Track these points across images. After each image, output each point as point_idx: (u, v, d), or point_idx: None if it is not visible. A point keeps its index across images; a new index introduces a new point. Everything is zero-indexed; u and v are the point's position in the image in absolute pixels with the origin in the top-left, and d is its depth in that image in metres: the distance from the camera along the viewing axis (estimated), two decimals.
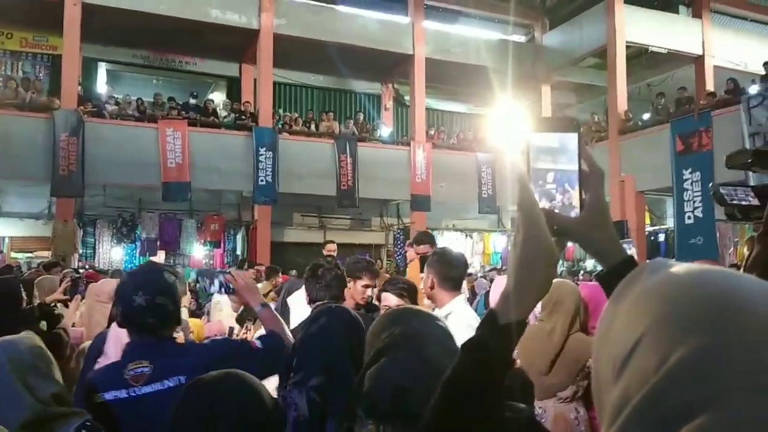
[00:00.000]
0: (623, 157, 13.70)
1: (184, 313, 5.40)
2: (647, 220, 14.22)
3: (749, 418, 0.42)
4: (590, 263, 15.16)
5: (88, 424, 1.38)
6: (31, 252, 12.14)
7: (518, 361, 3.09)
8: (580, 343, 3.06)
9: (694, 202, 11.55)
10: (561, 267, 14.72)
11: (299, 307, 4.04)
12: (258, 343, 2.07)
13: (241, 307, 4.04)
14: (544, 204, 0.83)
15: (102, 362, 3.12)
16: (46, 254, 11.24)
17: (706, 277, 0.52)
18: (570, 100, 18.57)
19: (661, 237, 13.37)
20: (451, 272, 2.97)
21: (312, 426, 2.08)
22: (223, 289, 2.49)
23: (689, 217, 11.65)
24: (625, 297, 0.56)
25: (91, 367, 2.54)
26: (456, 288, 2.93)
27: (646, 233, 13.72)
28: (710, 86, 14.35)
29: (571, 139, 0.85)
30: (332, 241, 7.39)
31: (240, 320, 4.22)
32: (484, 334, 0.83)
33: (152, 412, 1.75)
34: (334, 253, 6.60)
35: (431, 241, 4.61)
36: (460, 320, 2.75)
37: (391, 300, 2.87)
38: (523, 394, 2.33)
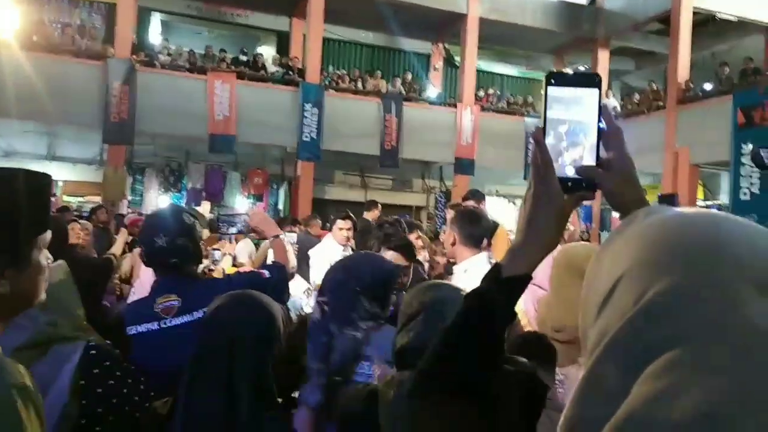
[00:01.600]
0: (680, 128, 13.13)
1: (218, 254, 5.63)
2: (700, 195, 13.69)
3: (714, 355, 0.43)
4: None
5: (92, 344, 1.40)
6: (82, 196, 12.58)
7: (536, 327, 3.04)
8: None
9: (751, 177, 11.03)
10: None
11: (320, 262, 4.19)
12: (266, 273, 2.17)
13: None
14: (557, 160, 0.80)
15: (132, 298, 3.26)
16: (97, 199, 11.62)
17: (692, 219, 0.52)
18: (628, 66, 17.82)
19: None
20: (473, 230, 2.96)
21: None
22: (239, 230, 2.60)
23: (745, 194, 11.16)
24: (616, 239, 0.56)
25: None
26: (476, 245, 2.92)
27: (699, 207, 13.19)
28: None
29: (592, 95, 0.81)
30: (375, 204, 7.22)
31: None
32: (487, 285, 0.84)
33: (183, 342, 1.78)
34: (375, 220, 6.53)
35: (479, 197, 4.56)
36: (475, 276, 2.75)
37: (389, 256, 2.88)
38: (545, 360, 2.28)
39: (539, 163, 0.79)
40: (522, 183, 15.28)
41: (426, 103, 14.63)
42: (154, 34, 15.60)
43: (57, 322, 1.39)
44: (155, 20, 15.92)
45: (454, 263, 3.19)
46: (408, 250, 2.55)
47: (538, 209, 0.80)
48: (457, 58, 16.25)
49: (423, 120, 13.83)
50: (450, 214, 5.57)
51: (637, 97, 15.42)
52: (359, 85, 14.30)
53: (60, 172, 13.14)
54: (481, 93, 15.35)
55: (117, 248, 4.42)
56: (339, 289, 2.08)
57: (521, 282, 0.83)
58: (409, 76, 15.28)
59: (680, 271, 0.47)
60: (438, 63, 16.82)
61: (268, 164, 14.14)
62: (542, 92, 0.78)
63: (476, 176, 14.15)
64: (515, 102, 15.68)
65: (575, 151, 0.80)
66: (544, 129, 0.80)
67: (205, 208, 12.70)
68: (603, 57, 16.18)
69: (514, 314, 0.86)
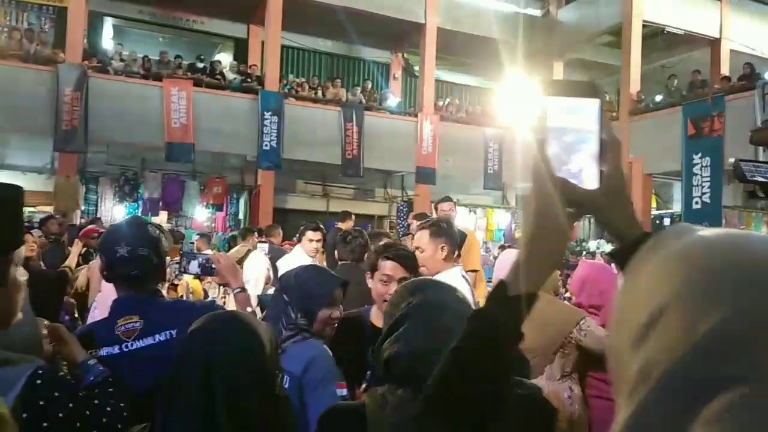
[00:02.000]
0: (632, 139, 13.52)
1: (188, 277, 5.46)
2: (653, 204, 14.13)
3: None
4: (593, 244, 15.13)
5: (41, 371, 1.31)
6: (33, 206, 12.06)
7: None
8: (557, 309, 2.98)
9: (702, 187, 11.44)
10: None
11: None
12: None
13: None
14: (558, 174, 0.78)
15: (91, 317, 3.11)
16: (48, 209, 11.15)
17: (740, 243, 0.50)
18: (582, 77, 18.29)
19: (667, 221, 13.28)
20: (455, 243, 3.00)
21: None
22: (201, 270, 2.46)
23: (696, 203, 11.55)
24: (648, 263, 0.53)
25: None
26: (454, 259, 3.01)
27: (652, 217, 13.64)
28: (725, 70, 14.11)
29: (592, 105, 0.78)
30: (349, 214, 7.29)
31: None
32: (492, 304, 0.82)
33: (145, 365, 1.77)
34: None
35: (452, 202, 4.67)
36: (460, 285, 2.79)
37: (387, 267, 2.80)
38: (518, 373, 2.28)
39: (542, 176, 0.77)
40: (482, 192, 15.48)
41: (386, 113, 14.66)
42: (107, 40, 15.18)
43: (7, 341, 1.31)
44: (107, 25, 15.48)
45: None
46: (409, 261, 2.49)
47: (540, 225, 0.78)
48: (416, 68, 16.38)
49: (384, 129, 13.85)
50: (414, 224, 5.53)
51: None
52: (319, 93, 14.23)
53: (9, 181, 12.55)
54: (441, 103, 15.48)
55: (71, 260, 4.26)
56: (274, 298, 2.23)
57: (528, 301, 0.80)
58: (369, 85, 15.30)
59: (735, 303, 0.45)
60: (397, 72, 16.91)
61: (228, 173, 13.89)
62: (541, 100, 0.75)
63: (437, 185, 14.25)
64: (474, 112, 15.88)
65: (577, 162, 0.78)
66: (544, 141, 0.78)
67: (162, 218, 12.43)
68: (558, 68, 16.60)
69: (521, 335, 0.83)
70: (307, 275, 2.17)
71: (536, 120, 0.80)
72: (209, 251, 8.61)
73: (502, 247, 10.56)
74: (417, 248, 3.02)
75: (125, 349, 1.81)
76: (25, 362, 1.33)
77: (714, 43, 14.81)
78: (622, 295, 0.55)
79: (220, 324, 1.41)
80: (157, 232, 2.00)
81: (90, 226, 8.12)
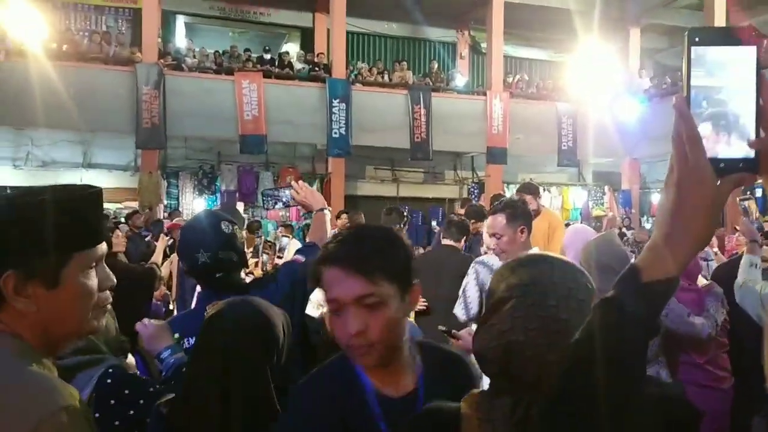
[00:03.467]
0: None
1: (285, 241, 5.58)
2: None
3: None
4: None
5: (111, 370, 1.32)
6: (119, 203, 12.70)
7: None
8: None
9: None
10: (646, 224, 14.05)
11: None
12: (300, 258, 2.18)
13: None
14: (705, 137, 0.67)
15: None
16: (134, 204, 11.72)
17: None
18: (662, 44, 17.32)
19: (759, 192, 12.42)
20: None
21: None
22: (287, 203, 2.60)
23: None
24: None
25: None
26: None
27: (741, 189, 12.79)
28: None
29: (747, 54, 0.67)
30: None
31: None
32: (623, 291, 0.70)
33: None
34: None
35: (534, 191, 4.44)
36: None
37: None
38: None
39: (684, 139, 0.67)
40: (556, 170, 15.00)
41: (454, 93, 14.42)
42: (180, 37, 15.67)
43: (89, 345, 1.31)
44: (180, 23, 15.98)
45: None
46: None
47: (685, 196, 0.67)
48: (484, 45, 15.99)
49: (452, 110, 13.63)
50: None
51: (670, 76, 14.99)
52: (386, 77, 14.16)
53: (97, 180, 13.25)
54: (510, 79, 15.06)
55: (158, 256, 4.38)
56: None
57: (667, 287, 0.69)
58: (436, 66, 15.08)
59: None
60: (464, 51, 16.56)
61: (299, 162, 14.12)
62: (683, 53, 0.65)
63: (509, 164, 13.93)
64: (545, 87, 15.36)
65: (728, 126, 0.67)
66: (687, 98, 0.68)
67: (239, 210, 12.76)
68: (634, 36, 15.75)
69: (658, 328, 0.72)
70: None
71: (682, 71, 0.70)
72: (294, 240, 8.84)
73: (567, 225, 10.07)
74: (494, 235, 2.90)
75: None
76: (95, 364, 1.34)
77: None
78: None
79: (234, 310, 1.43)
80: (231, 227, 2.01)
81: (174, 221, 8.49)
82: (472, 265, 3.41)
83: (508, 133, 13.77)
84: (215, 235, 1.96)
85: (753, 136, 0.67)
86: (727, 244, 8.47)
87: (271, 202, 2.71)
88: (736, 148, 0.67)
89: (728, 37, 0.68)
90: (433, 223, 13.04)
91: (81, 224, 1.06)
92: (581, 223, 12.88)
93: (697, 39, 0.68)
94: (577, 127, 14.35)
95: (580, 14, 14.47)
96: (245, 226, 8.57)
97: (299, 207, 2.54)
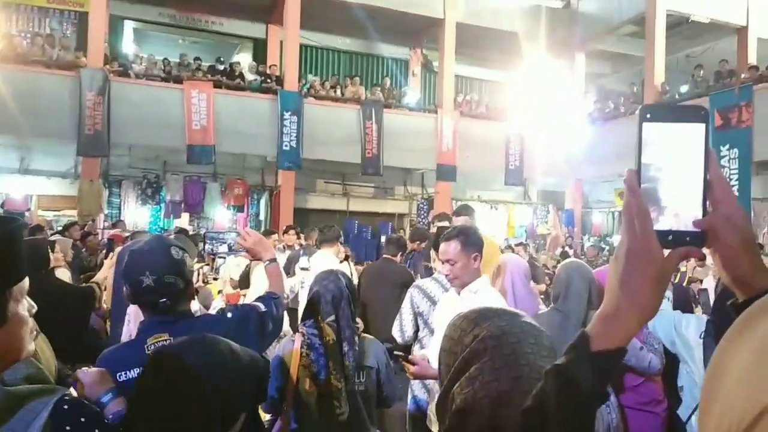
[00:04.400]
0: None
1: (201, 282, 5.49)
2: None
3: None
4: (617, 239, 14.88)
5: (67, 398, 1.31)
6: (58, 210, 12.24)
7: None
8: None
9: (730, 179, 11.17)
10: (587, 242, 14.48)
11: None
12: (261, 306, 2.09)
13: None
14: (654, 210, 0.69)
15: (126, 331, 3.10)
16: (72, 213, 11.34)
17: None
18: (605, 69, 17.99)
19: None
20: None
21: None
22: (230, 249, 2.53)
23: None
24: (751, 335, 0.44)
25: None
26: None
27: None
28: (753, 59, 13.72)
29: (696, 132, 0.70)
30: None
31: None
32: (573, 360, 0.71)
33: None
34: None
35: (470, 212, 4.48)
36: (490, 298, 2.80)
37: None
38: None
39: (634, 213, 0.68)
40: (503, 188, 15.32)
41: (406, 110, 14.57)
42: (127, 43, 15.31)
43: (35, 375, 1.29)
44: (128, 28, 15.63)
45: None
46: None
47: (633, 269, 0.68)
48: (435, 64, 16.26)
49: (403, 126, 13.77)
50: (434, 224, 5.63)
51: (612, 100, 15.58)
52: (338, 92, 14.20)
53: (34, 186, 12.79)
54: (460, 98, 15.35)
55: (102, 275, 4.19)
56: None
57: (615, 357, 0.71)
58: (388, 82, 15.22)
59: None
60: (416, 68, 16.80)
61: (248, 174, 13.94)
62: (637, 128, 0.70)
63: (458, 182, 14.14)
64: (494, 107, 15.71)
65: (677, 200, 0.69)
66: (638, 173, 0.70)
67: (184, 220, 12.50)
68: (580, 60, 16.33)
69: (606, 395, 0.73)
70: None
71: (634, 147, 0.72)
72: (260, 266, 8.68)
73: (519, 245, 10.28)
74: (447, 261, 2.87)
75: None
76: (48, 393, 1.31)
77: (740, 32, 14.41)
78: (712, 373, 0.46)
79: (187, 348, 1.41)
80: (181, 253, 1.93)
81: (114, 232, 8.21)
82: (409, 289, 3.61)
83: (457, 151, 14.00)
84: (163, 259, 1.89)
85: (700, 211, 0.69)
86: None
87: (214, 245, 2.67)
88: (683, 221, 0.69)
89: (678, 114, 0.71)
90: (382, 238, 13.08)
91: (13, 258, 1.12)
92: (526, 240, 13.17)
93: (648, 115, 0.70)
94: (524, 147, 14.72)
95: (528, 38, 14.96)
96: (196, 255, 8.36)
97: (240, 248, 2.50)
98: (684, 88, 13.54)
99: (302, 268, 5.17)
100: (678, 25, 14.51)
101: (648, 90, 13.86)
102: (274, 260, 2.35)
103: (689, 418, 1.66)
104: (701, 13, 14.06)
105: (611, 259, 0.73)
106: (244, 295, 5.25)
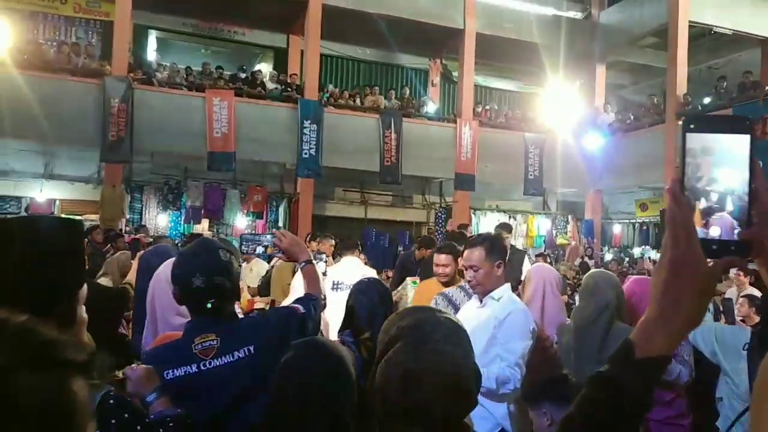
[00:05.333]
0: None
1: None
2: None
3: None
4: (638, 250, 14.73)
5: (112, 393, 1.35)
6: (80, 215, 12.41)
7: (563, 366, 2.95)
8: (625, 335, 2.86)
9: None
10: (607, 253, 14.35)
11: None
12: (301, 308, 2.09)
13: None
14: (699, 218, 0.70)
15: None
16: (94, 217, 11.48)
17: None
18: (625, 80, 17.89)
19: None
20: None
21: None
22: (266, 251, 2.52)
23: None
24: None
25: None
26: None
27: None
28: None
29: (741, 142, 0.69)
30: (329, 236, 7.35)
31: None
32: (617, 368, 0.71)
33: (224, 383, 1.80)
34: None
35: (508, 230, 4.60)
36: (513, 306, 2.86)
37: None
38: (567, 401, 2.19)
39: (678, 222, 0.68)
40: (522, 198, 15.25)
41: (425, 119, 14.60)
42: (151, 52, 15.56)
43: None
44: (151, 38, 15.89)
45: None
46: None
47: (677, 278, 0.68)
48: (455, 74, 16.28)
49: (422, 136, 13.79)
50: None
51: (632, 111, 15.48)
52: (358, 101, 14.27)
53: (57, 191, 13.02)
54: (480, 108, 15.34)
55: (132, 275, 4.22)
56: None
57: (660, 364, 0.70)
58: (408, 92, 15.27)
59: None
60: (436, 78, 16.84)
61: (268, 181, 14.04)
62: (678, 139, 0.72)
63: (476, 191, 14.11)
64: (513, 117, 15.68)
65: (721, 210, 0.69)
66: (681, 183, 0.69)
67: (204, 226, 12.61)
68: (600, 72, 16.25)
69: (651, 404, 0.72)
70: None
71: (676, 157, 0.72)
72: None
73: (540, 255, 10.27)
74: (471, 267, 2.88)
75: (203, 368, 1.81)
76: (95, 388, 1.37)
77: (764, 43, 14.28)
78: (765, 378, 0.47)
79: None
80: (229, 255, 1.97)
81: (137, 236, 8.31)
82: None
83: (476, 161, 13.97)
84: (212, 260, 1.92)
85: (744, 222, 0.69)
86: None
87: (250, 246, 2.66)
88: (728, 231, 0.69)
89: (722, 124, 0.71)
90: (399, 248, 13.08)
91: (82, 261, 1.19)
92: (545, 250, 13.09)
93: (692, 126, 0.70)
94: (543, 157, 14.65)
95: (548, 49, 14.92)
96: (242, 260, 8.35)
97: (276, 250, 2.49)
98: (707, 100, 13.41)
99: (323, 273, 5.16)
100: (701, 36, 14.39)
101: (670, 101, 13.74)
102: (310, 261, 2.34)
103: (729, 429, 1.64)
104: (724, 25, 13.92)
105: (654, 268, 0.73)
106: (268, 304, 5.22)
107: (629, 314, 3.00)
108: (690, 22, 13.61)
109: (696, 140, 0.70)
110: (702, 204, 0.69)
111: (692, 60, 14.00)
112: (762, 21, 14.02)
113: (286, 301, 3.30)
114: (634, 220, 15.88)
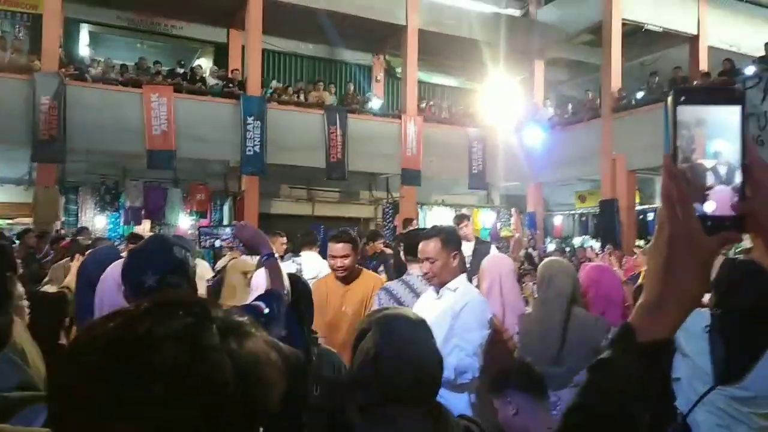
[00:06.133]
0: (615, 135, 13.63)
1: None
2: (636, 199, 14.23)
3: None
4: (578, 240, 15.20)
5: None
6: (11, 218, 11.80)
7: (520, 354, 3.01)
8: (584, 321, 2.95)
9: None
10: (549, 244, 14.74)
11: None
12: (264, 307, 1.99)
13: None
14: (694, 195, 0.66)
15: None
16: (27, 221, 10.94)
17: None
18: (563, 76, 18.40)
19: (650, 216, 13.37)
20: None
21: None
22: (228, 242, 2.42)
23: None
24: None
25: None
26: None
27: (636, 212, 13.74)
28: (704, 66, 14.27)
29: (732, 114, 0.67)
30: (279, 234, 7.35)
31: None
32: (617, 353, 0.68)
33: None
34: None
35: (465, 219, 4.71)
36: (470, 295, 2.88)
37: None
38: (532, 389, 2.24)
39: (675, 197, 0.65)
40: (466, 192, 15.49)
41: (369, 115, 14.59)
42: (84, 47, 14.92)
43: (26, 382, 1.25)
44: (84, 32, 15.21)
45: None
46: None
47: (676, 255, 0.65)
48: (398, 70, 16.34)
49: (367, 131, 13.78)
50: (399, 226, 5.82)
51: (570, 106, 15.95)
52: (302, 97, 14.12)
53: None
54: (424, 104, 15.46)
55: (71, 279, 4.03)
56: None
57: (664, 348, 0.67)
58: (351, 88, 15.23)
59: None
60: (380, 74, 16.86)
61: (211, 179, 13.70)
62: (668, 110, 0.68)
63: (422, 186, 14.22)
64: (456, 113, 15.88)
65: (714, 184, 0.66)
66: (674, 157, 0.67)
67: (145, 227, 12.23)
68: (539, 68, 16.67)
69: (661, 393, 0.69)
70: None
71: (669, 130, 0.69)
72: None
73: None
74: (427, 259, 2.88)
75: None
76: (41, 400, 1.29)
77: (692, 40, 14.97)
78: None
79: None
80: (183, 252, 1.84)
81: (67, 240, 7.95)
82: (377, 292, 3.49)
83: (421, 156, 14.08)
84: (165, 257, 1.79)
85: (738, 196, 0.66)
86: (624, 265, 9.02)
87: (208, 240, 2.54)
88: (722, 206, 0.66)
89: (714, 96, 0.68)
90: None
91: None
92: (490, 242, 13.31)
93: (683, 98, 0.68)
94: (486, 152, 14.92)
95: (488, 46, 15.20)
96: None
97: (239, 246, 2.38)
98: (640, 94, 13.95)
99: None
100: (633, 33, 14.95)
101: (605, 96, 14.23)
102: (272, 255, 2.22)
103: (692, 408, 1.66)
104: (655, 23, 14.55)
105: (649, 248, 0.70)
106: None
107: (587, 300, 3.09)
108: (623, 19, 14.15)
109: (687, 113, 0.68)
110: (696, 179, 0.67)
111: (626, 56, 14.56)
112: (690, 19, 14.73)
113: (250, 297, 3.23)
114: (573, 211, 16.38)
